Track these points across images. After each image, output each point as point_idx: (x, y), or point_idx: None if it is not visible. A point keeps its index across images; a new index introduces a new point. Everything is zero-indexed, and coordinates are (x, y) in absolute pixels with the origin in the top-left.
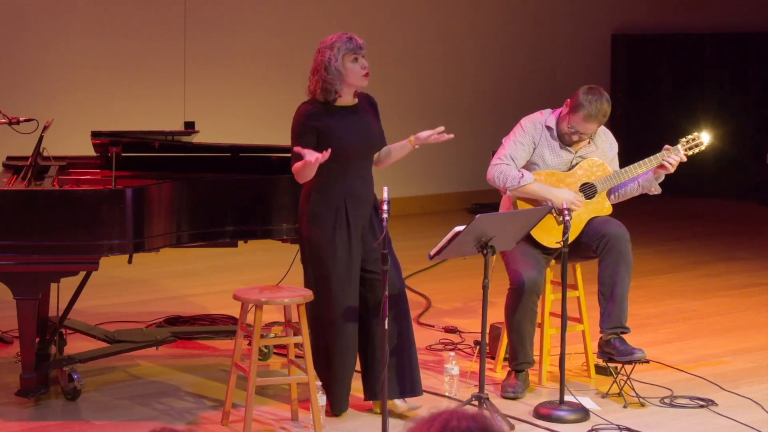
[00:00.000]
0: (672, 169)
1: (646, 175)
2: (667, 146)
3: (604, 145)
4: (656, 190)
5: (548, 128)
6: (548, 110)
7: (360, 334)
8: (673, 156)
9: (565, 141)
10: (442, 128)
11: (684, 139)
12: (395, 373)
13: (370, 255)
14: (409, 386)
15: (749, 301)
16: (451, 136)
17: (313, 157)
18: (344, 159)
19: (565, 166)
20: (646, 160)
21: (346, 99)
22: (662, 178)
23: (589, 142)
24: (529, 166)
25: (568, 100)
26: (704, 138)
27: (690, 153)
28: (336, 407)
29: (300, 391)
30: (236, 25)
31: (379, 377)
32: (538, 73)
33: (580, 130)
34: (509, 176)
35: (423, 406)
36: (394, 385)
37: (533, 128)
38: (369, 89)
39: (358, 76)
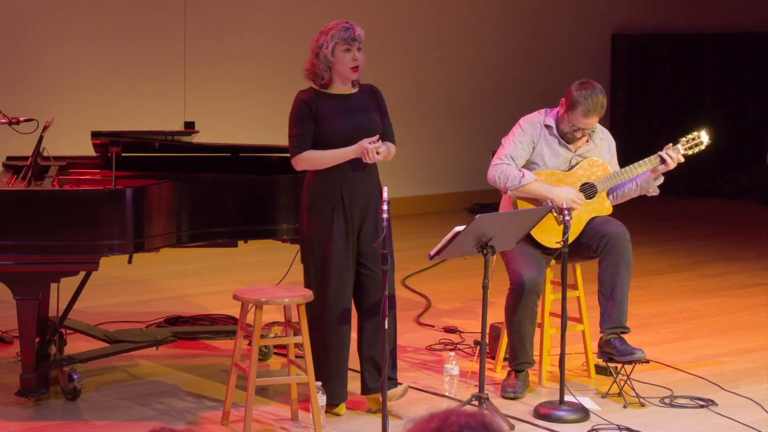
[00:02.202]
0: (672, 165)
1: (644, 176)
2: (668, 145)
3: (602, 143)
4: (654, 191)
5: (547, 127)
6: (546, 109)
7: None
8: (672, 153)
9: (567, 140)
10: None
11: (684, 139)
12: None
13: (366, 248)
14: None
15: (749, 301)
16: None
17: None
18: (336, 147)
19: (565, 165)
20: (646, 159)
21: (341, 87)
22: (661, 179)
23: (587, 140)
24: (528, 165)
25: (563, 99)
26: (704, 137)
27: (690, 152)
28: (334, 396)
29: (300, 391)
30: (236, 25)
31: (365, 373)
32: (538, 73)
33: (582, 126)
34: (510, 176)
35: (421, 404)
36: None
37: (532, 128)
38: None
39: (345, 68)
